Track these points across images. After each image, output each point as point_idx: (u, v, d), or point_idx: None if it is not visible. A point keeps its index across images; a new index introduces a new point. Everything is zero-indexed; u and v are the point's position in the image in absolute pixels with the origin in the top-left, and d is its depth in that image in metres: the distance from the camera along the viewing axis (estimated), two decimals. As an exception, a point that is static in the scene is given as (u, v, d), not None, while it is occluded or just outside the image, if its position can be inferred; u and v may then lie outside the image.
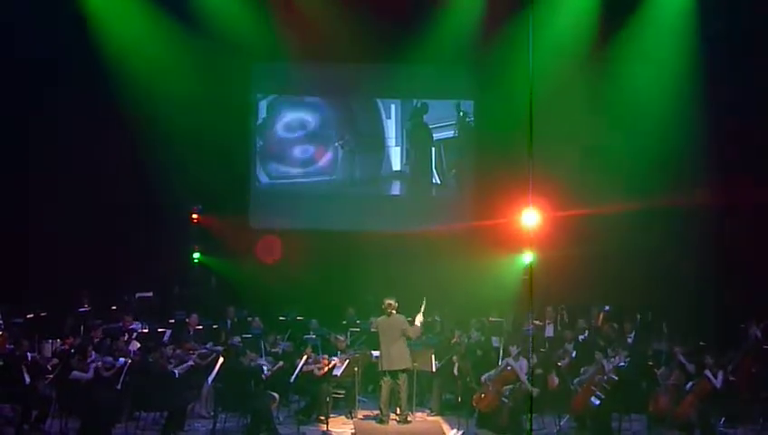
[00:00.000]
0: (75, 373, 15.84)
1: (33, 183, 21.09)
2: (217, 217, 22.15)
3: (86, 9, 20.85)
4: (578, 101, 21.36)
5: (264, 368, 16.53)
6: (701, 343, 17.28)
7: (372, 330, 16.86)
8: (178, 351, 17.14)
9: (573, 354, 17.85)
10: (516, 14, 20.97)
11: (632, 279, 21.03)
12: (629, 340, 18.56)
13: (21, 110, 20.80)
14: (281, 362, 17.13)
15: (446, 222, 22.46)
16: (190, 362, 16.89)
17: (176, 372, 16.41)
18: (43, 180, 21.09)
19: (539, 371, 16.31)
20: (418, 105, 22.94)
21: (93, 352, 16.45)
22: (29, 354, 16.41)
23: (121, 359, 16.27)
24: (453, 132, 22.96)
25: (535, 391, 16.01)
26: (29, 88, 20.78)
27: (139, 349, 17.24)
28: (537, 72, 21.36)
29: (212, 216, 22.17)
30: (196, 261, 22.38)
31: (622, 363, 16.44)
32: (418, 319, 16.84)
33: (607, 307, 19.90)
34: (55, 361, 16.58)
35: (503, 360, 16.84)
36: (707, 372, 16.22)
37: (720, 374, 16.27)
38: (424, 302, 16.97)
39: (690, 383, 16.37)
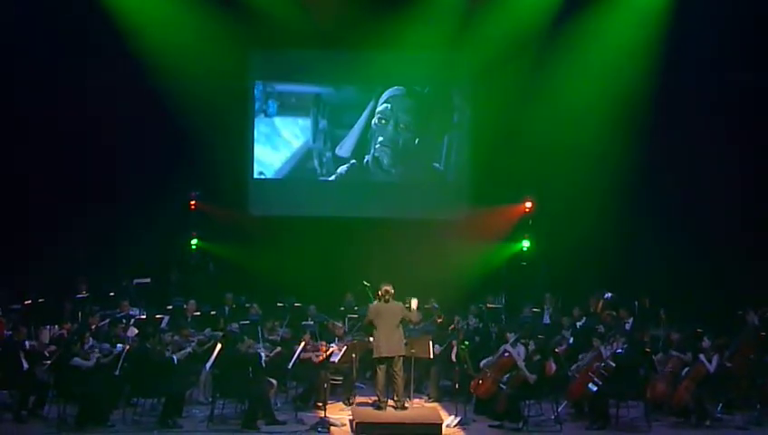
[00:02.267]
0: (77, 360, 15.84)
1: (31, 169, 21.05)
2: (216, 204, 22.12)
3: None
4: (574, 88, 21.39)
5: (262, 354, 16.54)
6: (698, 330, 17.29)
7: (369, 316, 16.82)
8: (176, 337, 17.14)
9: (571, 341, 17.89)
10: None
11: (631, 265, 21.07)
12: (627, 326, 18.57)
13: (20, 95, 20.83)
14: (278, 348, 17.16)
15: (444, 208, 22.45)
16: (188, 349, 16.89)
17: (174, 358, 16.42)
18: (41, 166, 21.06)
19: (537, 357, 16.30)
20: (419, 92, 22.85)
21: (91, 339, 16.45)
22: (27, 341, 16.42)
23: (119, 345, 16.29)
24: (451, 119, 22.88)
25: (532, 377, 16.02)
26: (24, 71, 20.76)
27: (136, 335, 17.18)
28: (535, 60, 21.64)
29: (210, 202, 22.13)
30: (194, 247, 22.35)
31: (620, 350, 16.45)
32: (414, 304, 16.84)
33: (608, 294, 19.89)
34: (53, 347, 16.57)
35: (501, 346, 16.86)
36: (701, 357, 16.26)
37: (715, 358, 16.32)
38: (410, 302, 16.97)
39: (686, 369, 16.41)
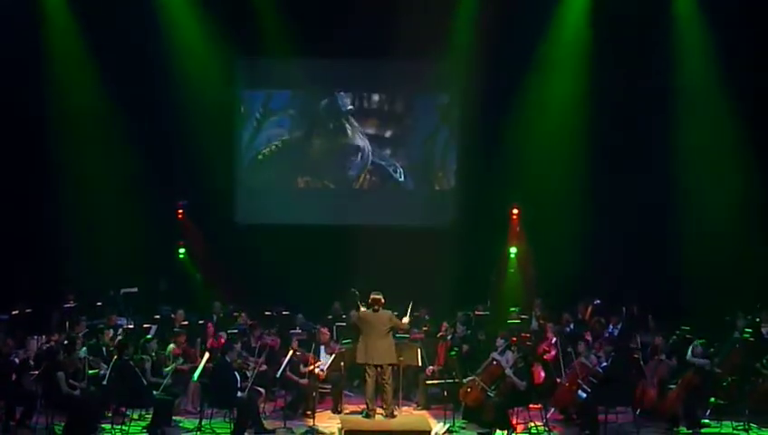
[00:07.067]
0: (63, 386, 15.73)
1: (18, 181, 21.01)
2: (203, 213, 22.04)
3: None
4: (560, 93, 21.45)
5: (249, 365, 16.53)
6: (687, 336, 17.33)
7: (353, 321, 16.85)
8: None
9: (560, 348, 17.89)
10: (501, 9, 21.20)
11: (619, 272, 21.07)
12: (615, 332, 18.60)
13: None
14: (264, 367, 17.05)
15: (431, 215, 22.44)
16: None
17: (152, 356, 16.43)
18: (29, 178, 21.03)
19: (521, 364, 16.29)
20: (403, 99, 22.85)
21: (82, 348, 16.39)
22: (14, 352, 16.36)
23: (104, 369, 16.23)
24: (437, 127, 22.87)
25: (522, 384, 16.02)
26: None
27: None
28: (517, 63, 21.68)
29: (197, 211, 22.06)
30: (181, 256, 22.28)
31: (607, 358, 16.47)
32: (405, 320, 16.82)
33: (597, 301, 19.91)
34: (41, 357, 16.50)
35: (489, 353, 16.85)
36: (699, 360, 16.29)
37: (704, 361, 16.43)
38: (411, 305, 16.93)
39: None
